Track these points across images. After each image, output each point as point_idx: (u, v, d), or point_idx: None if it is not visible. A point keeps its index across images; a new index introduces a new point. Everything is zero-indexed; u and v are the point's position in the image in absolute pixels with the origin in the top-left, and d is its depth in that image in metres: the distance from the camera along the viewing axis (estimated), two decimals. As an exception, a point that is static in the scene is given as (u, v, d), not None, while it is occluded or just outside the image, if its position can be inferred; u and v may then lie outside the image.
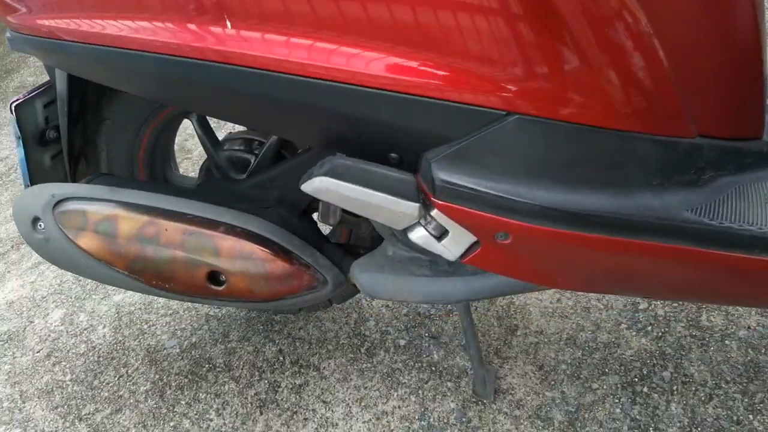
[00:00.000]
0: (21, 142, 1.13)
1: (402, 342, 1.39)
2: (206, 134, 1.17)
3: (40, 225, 1.03)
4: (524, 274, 0.81)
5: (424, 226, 0.79)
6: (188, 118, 1.19)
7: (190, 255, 0.94)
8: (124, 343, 1.52)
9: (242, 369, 1.39)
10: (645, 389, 1.18)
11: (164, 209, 0.97)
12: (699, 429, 1.09)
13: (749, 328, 1.27)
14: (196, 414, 1.30)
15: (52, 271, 1.86)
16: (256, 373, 1.37)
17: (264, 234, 0.95)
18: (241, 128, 1.33)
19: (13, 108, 1.11)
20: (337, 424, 1.22)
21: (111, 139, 1.17)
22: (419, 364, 1.32)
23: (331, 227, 0.99)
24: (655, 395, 1.17)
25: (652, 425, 1.11)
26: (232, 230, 0.94)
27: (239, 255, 0.93)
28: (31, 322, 1.67)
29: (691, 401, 1.14)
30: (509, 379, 1.25)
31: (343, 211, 1.09)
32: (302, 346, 1.42)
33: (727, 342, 1.25)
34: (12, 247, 2.03)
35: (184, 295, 0.99)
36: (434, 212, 0.77)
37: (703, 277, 0.77)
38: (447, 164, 0.72)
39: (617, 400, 1.17)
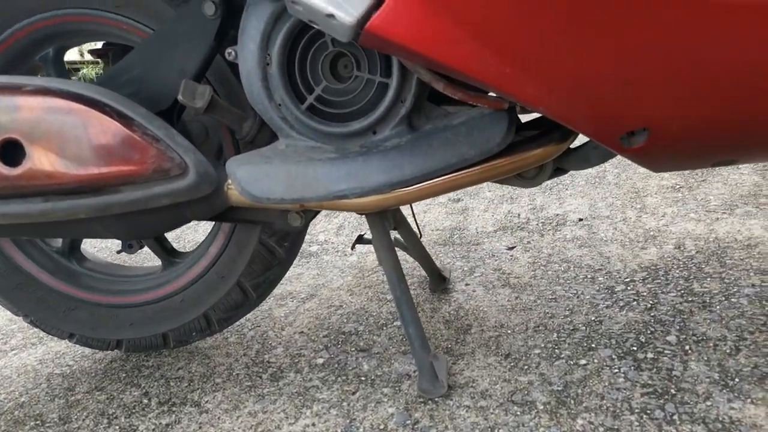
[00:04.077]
0: None
1: (320, 360, 1.01)
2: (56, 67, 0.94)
3: None
4: (458, 46, 0.57)
5: (303, -29, 0.56)
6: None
7: (-24, 118, 0.64)
8: None
9: (84, 420, 0.94)
10: (649, 355, 0.86)
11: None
12: (737, 380, 0.77)
13: (754, 285, 1.01)
14: (-8, 479, 0.82)
15: None
16: (104, 421, 0.93)
17: (90, 94, 0.67)
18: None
19: None
20: (216, 458, 0.79)
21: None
22: (343, 377, 0.94)
23: (199, 110, 0.73)
24: (665, 359, 0.84)
25: (673, 386, 0.77)
26: (41, 90, 0.66)
27: (47, 114, 0.64)
28: None
29: (714, 356, 0.83)
30: (467, 373, 0.89)
31: (215, 91, 0.84)
32: (178, 385, 1.00)
33: (733, 300, 0.98)
34: None
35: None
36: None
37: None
38: None
39: (617, 370, 0.83)
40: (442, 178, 0.74)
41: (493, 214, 1.69)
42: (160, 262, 1.07)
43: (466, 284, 1.23)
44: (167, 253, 1.04)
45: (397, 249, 1.19)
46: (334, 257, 1.57)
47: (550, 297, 1.10)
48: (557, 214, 1.58)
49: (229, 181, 0.76)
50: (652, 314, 0.97)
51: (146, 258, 1.82)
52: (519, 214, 1.65)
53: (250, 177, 0.73)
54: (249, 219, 0.86)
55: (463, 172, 0.74)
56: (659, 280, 1.09)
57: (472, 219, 1.68)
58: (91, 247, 2.07)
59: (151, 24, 0.86)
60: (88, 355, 1.18)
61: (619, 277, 1.14)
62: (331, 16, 0.56)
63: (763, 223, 1.27)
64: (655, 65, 0.58)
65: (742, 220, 1.31)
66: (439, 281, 1.22)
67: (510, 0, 0.54)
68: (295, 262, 1.58)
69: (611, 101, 0.62)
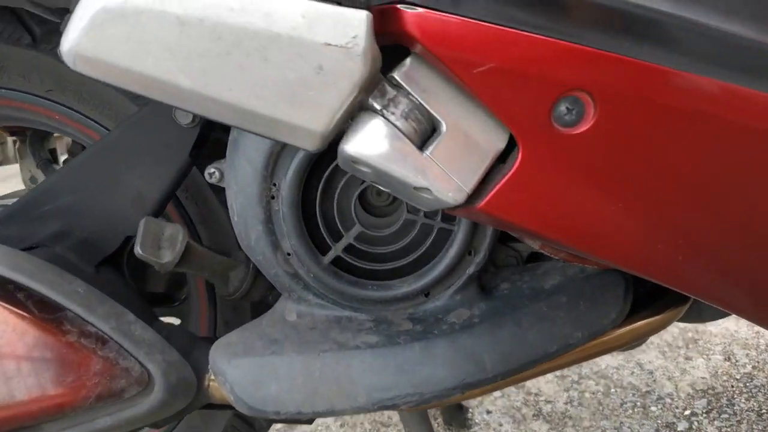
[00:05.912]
0: None
1: None
2: None
3: None
4: (607, 233, 0.35)
5: (380, 112, 0.31)
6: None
7: None
8: None
9: None
10: None
11: None
12: None
13: None
14: None
15: None
16: None
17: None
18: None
19: None
20: None
21: None
22: None
23: (167, 267, 0.47)
24: None
25: None
26: None
27: None
28: None
29: None
30: None
31: (192, 238, 0.57)
32: None
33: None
34: None
35: None
36: (406, 67, 0.31)
37: None
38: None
39: None
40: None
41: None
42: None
43: (488, 412, 1.00)
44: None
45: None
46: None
47: (602, 441, 0.89)
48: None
49: (211, 374, 0.50)
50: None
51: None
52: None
53: (248, 379, 0.47)
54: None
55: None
56: (726, 414, 0.91)
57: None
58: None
59: (93, 115, 0.60)
60: None
61: (676, 407, 0.94)
62: (423, 189, 0.32)
63: (813, 324, 1.12)
64: None
65: (785, 317, 1.15)
66: (455, 411, 0.99)
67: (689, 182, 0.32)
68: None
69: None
